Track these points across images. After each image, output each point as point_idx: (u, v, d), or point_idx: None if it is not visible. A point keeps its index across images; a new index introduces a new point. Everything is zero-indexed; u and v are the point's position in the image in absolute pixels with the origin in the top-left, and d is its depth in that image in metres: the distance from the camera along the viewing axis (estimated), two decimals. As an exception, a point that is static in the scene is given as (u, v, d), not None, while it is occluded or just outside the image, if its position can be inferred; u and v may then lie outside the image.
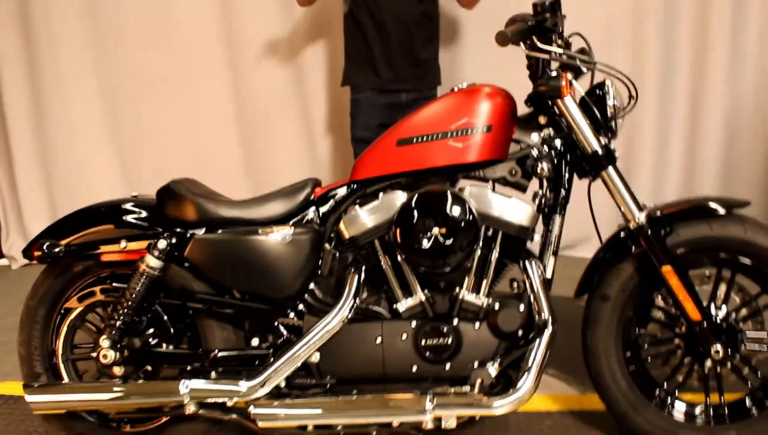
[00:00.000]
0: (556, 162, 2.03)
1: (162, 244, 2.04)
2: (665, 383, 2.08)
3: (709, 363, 1.98)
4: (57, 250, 2.06)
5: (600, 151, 1.95)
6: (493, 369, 1.92)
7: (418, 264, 1.98)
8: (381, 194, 2.05)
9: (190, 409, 1.99)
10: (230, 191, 2.28)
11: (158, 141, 4.22)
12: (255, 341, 2.11)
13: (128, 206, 2.16)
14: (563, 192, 2.03)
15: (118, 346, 2.07)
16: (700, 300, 1.96)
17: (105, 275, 2.17)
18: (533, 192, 2.07)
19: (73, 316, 2.16)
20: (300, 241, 2.06)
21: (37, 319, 2.19)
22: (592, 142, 1.95)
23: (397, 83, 3.17)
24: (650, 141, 3.86)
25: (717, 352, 1.94)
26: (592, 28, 3.65)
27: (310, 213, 2.13)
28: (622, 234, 2.00)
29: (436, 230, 1.91)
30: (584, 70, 1.99)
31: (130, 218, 2.13)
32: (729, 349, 1.96)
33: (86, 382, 2.15)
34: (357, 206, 2.06)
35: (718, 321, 1.98)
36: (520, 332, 1.99)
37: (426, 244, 1.91)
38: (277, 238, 2.04)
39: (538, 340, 1.93)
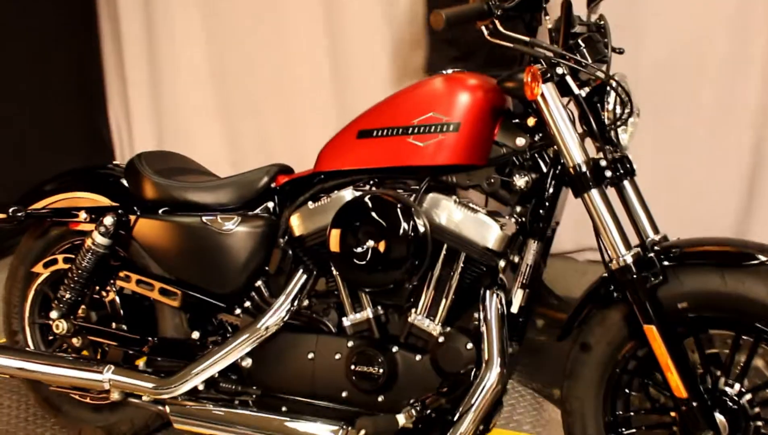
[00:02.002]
0: (544, 174, 1.66)
1: (108, 220, 1.94)
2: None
3: (696, 453, 1.54)
4: (20, 214, 2.05)
5: (582, 167, 1.55)
6: (402, 417, 1.62)
7: (350, 279, 1.72)
8: (335, 192, 1.80)
9: (114, 396, 1.91)
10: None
11: (259, 107, 4.21)
12: (196, 334, 1.97)
13: (101, 177, 2.10)
14: (542, 212, 1.66)
15: (72, 317, 2.03)
16: (693, 371, 1.52)
17: (78, 243, 2.13)
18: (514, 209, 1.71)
19: (39, 280, 2.14)
20: (246, 233, 1.87)
21: (18, 278, 2.21)
22: (573, 154, 1.55)
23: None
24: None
25: None
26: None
27: (270, 203, 1.93)
28: (606, 274, 1.60)
29: (371, 242, 1.64)
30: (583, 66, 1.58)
31: (99, 189, 2.06)
32: None
33: (24, 351, 2.11)
34: (310, 202, 1.83)
35: (727, 401, 1.53)
36: (465, 373, 1.66)
37: (358, 256, 1.65)
38: (219, 227, 1.87)
39: (479, 383, 1.61)
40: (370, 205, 1.66)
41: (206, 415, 1.80)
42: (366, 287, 1.72)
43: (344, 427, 1.68)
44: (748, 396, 1.53)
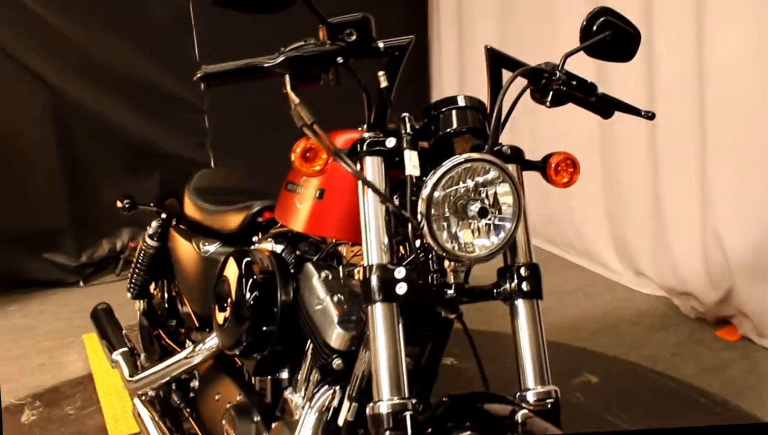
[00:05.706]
0: None
1: (153, 225, 2.20)
2: None
3: None
4: (128, 204, 2.43)
5: (371, 271, 1.17)
6: None
7: (217, 331, 1.64)
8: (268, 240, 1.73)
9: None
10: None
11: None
12: (188, 343, 2.10)
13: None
14: None
15: (147, 300, 2.38)
16: None
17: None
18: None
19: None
20: (216, 261, 1.92)
21: None
22: (371, 252, 1.19)
23: None
24: None
25: None
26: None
27: (255, 237, 1.93)
28: None
29: (229, 299, 1.56)
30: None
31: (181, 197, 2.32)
32: None
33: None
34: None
35: None
36: None
37: (220, 309, 1.59)
38: (201, 250, 1.96)
39: None
40: (238, 262, 1.57)
41: (143, 420, 1.95)
42: (221, 343, 1.64)
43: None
44: None
